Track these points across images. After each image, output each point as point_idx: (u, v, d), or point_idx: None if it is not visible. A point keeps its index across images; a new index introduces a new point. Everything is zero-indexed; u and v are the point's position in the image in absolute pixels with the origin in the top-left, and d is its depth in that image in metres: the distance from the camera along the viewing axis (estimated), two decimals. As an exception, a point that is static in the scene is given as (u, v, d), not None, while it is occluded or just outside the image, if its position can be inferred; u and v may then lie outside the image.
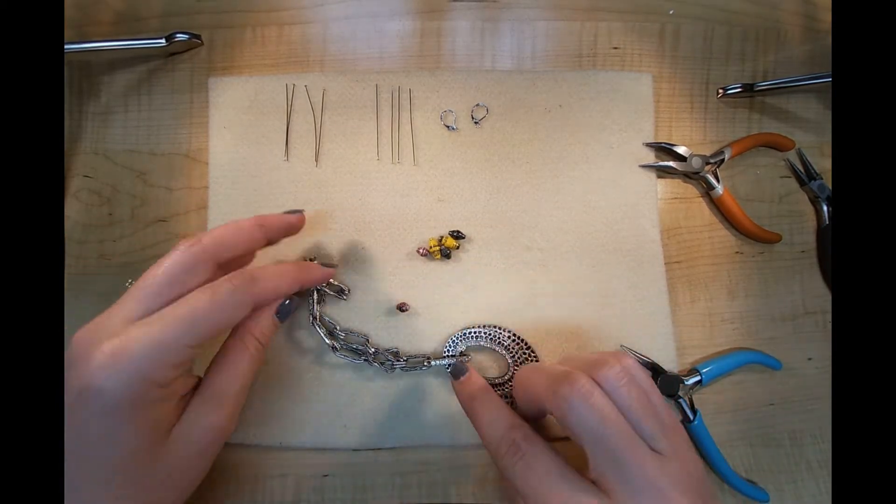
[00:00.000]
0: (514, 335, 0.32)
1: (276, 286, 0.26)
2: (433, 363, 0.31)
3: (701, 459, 0.24)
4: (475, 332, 0.32)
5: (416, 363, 0.31)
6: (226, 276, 0.24)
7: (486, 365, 0.33)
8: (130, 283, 0.25)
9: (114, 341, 0.21)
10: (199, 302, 0.22)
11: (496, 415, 0.25)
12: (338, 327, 0.32)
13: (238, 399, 0.25)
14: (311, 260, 0.32)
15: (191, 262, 0.24)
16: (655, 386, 0.24)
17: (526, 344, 0.32)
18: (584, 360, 0.24)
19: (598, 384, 0.22)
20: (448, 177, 0.34)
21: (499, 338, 0.31)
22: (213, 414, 0.24)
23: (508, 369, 0.31)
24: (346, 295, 0.32)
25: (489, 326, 0.32)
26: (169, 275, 0.23)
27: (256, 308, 0.26)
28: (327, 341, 0.31)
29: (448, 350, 0.31)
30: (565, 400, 0.22)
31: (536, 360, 0.32)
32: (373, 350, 0.31)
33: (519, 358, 0.31)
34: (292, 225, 0.29)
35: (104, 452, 0.21)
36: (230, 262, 0.26)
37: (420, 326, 0.32)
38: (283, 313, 0.28)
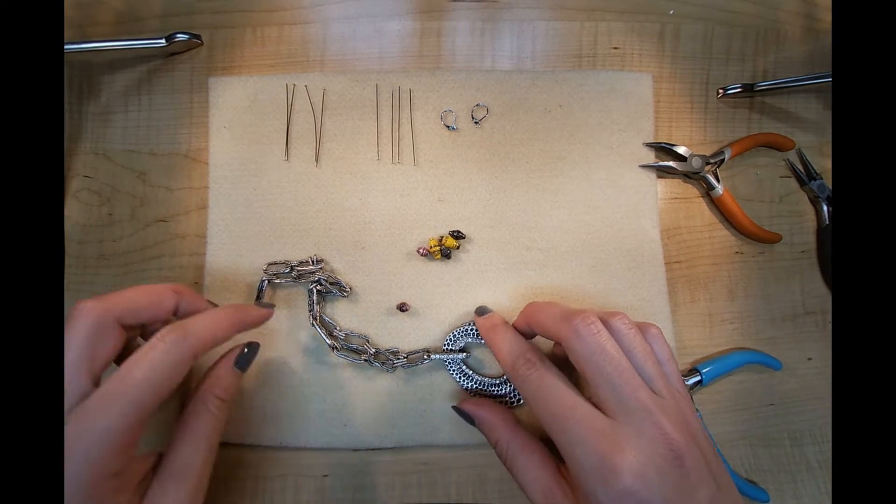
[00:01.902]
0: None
1: (212, 335, 0.24)
2: (433, 357, 0.31)
3: (699, 420, 0.25)
4: (476, 329, 0.32)
5: (417, 358, 0.31)
6: (156, 336, 0.22)
7: (487, 362, 0.33)
8: None
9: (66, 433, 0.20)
10: (129, 378, 0.21)
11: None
12: (337, 327, 0.32)
13: (204, 470, 0.23)
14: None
15: (94, 329, 0.22)
16: (667, 346, 0.26)
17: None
18: (594, 310, 0.26)
19: (608, 327, 0.25)
20: (448, 177, 0.34)
21: None
22: (179, 491, 0.22)
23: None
24: (346, 292, 0.32)
25: None
26: (73, 353, 0.21)
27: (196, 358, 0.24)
28: (328, 341, 0.31)
29: (448, 344, 0.31)
30: (575, 330, 0.24)
31: None
32: (373, 350, 0.31)
33: None
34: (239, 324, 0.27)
35: None
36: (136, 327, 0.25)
37: (420, 326, 0.32)
38: (243, 363, 0.27)
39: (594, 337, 0.24)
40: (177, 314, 0.26)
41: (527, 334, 0.29)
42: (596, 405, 0.23)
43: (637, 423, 0.22)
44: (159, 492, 0.22)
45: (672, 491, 0.21)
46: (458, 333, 0.32)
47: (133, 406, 0.20)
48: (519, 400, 0.31)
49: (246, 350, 0.27)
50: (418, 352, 0.31)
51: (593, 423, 0.22)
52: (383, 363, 0.31)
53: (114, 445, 0.20)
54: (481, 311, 0.31)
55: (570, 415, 0.23)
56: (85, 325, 0.22)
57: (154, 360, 0.21)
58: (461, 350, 0.31)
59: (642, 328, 0.26)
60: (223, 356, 0.27)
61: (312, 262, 0.32)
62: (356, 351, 0.31)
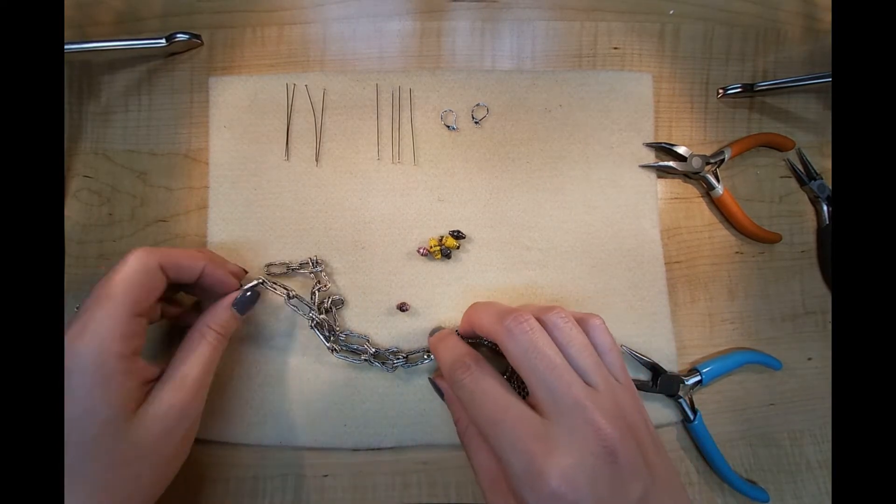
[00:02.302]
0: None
1: (176, 255, 0.27)
2: (433, 357, 0.31)
3: (641, 409, 0.25)
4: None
5: (417, 358, 0.31)
6: (128, 252, 0.26)
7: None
8: (79, 307, 0.25)
9: (73, 328, 0.23)
10: (113, 277, 0.25)
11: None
12: (337, 328, 0.32)
13: (200, 382, 0.26)
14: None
15: (144, 269, 0.25)
16: (609, 335, 0.26)
17: None
18: (532, 305, 0.27)
19: (543, 323, 0.25)
20: (448, 176, 0.34)
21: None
22: (175, 394, 0.25)
23: (507, 368, 0.31)
24: (339, 304, 0.32)
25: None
26: (127, 282, 0.25)
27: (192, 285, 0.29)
28: (327, 344, 0.31)
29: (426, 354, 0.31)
30: (508, 329, 0.24)
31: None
32: (373, 350, 0.31)
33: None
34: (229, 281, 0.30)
35: (80, 428, 0.22)
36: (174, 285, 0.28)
37: (420, 326, 0.32)
38: (241, 305, 0.29)
39: (526, 335, 0.24)
40: (201, 277, 0.28)
41: (472, 338, 0.29)
42: (533, 406, 0.23)
43: (570, 420, 0.22)
44: (160, 390, 0.25)
45: (604, 488, 0.21)
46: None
47: (121, 298, 0.24)
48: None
49: (248, 294, 0.29)
50: (418, 351, 0.31)
51: (525, 425, 0.22)
52: (383, 363, 0.31)
53: (114, 329, 0.23)
54: (434, 332, 0.32)
55: (502, 417, 0.23)
56: (135, 265, 0.25)
57: (127, 266, 0.25)
58: None
59: (583, 320, 0.26)
60: (225, 297, 0.29)
61: (312, 263, 0.32)
62: (355, 352, 0.31)
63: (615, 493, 0.21)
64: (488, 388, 0.24)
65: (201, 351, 0.27)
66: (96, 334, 0.23)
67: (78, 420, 0.22)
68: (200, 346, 0.27)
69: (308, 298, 0.31)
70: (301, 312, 0.31)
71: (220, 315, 0.28)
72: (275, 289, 0.31)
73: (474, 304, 0.29)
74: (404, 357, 0.31)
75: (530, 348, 0.24)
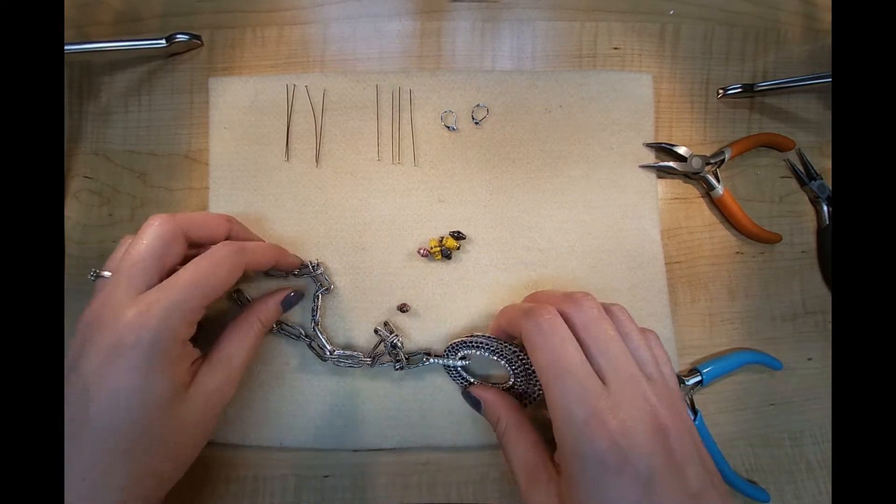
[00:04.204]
0: (520, 349, 0.29)
1: (259, 257, 0.29)
2: (432, 360, 0.31)
3: (690, 417, 0.25)
4: (477, 342, 0.30)
5: (417, 360, 0.31)
6: (220, 244, 0.27)
7: (491, 369, 0.32)
8: (95, 274, 0.26)
9: (138, 305, 0.23)
10: (201, 267, 0.25)
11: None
12: (328, 346, 0.31)
13: (242, 367, 0.28)
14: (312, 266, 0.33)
15: (169, 236, 0.25)
16: (664, 351, 0.27)
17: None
18: (558, 295, 0.27)
19: (569, 317, 0.25)
20: (448, 177, 0.34)
21: (501, 350, 0.29)
22: (222, 375, 0.27)
23: (508, 379, 0.30)
24: (325, 289, 0.32)
25: (492, 339, 0.30)
26: (152, 250, 0.25)
27: (247, 277, 0.31)
28: (328, 347, 0.31)
29: (448, 354, 0.31)
30: (532, 321, 0.25)
31: (537, 386, 0.30)
32: (370, 357, 0.31)
33: (519, 370, 0.29)
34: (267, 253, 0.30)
35: (130, 404, 0.22)
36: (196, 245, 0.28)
37: (420, 326, 0.32)
38: (287, 304, 0.31)
39: (592, 310, 0.25)
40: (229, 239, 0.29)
41: (504, 337, 0.30)
42: (548, 407, 0.24)
43: (627, 391, 0.23)
44: (208, 371, 0.26)
45: (657, 460, 0.21)
46: (459, 344, 0.30)
47: (199, 289, 0.25)
48: (527, 402, 0.30)
49: (293, 294, 0.31)
50: (419, 354, 0.31)
51: (592, 383, 0.23)
52: (394, 361, 0.31)
53: (184, 315, 0.24)
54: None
55: (571, 368, 0.23)
56: (159, 231, 0.25)
57: (218, 258, 0.26)
58: (460, 358, 0.31)
59: (642, 330, 0.27)
60: (273, 293, 0.31)
61: (312, 266, 0.32)
62: (352, 356, 0.31)
63: (669, 470, 0.21)
64: (566, 337, 0.24)
65: (249, 339, 0.28)
66: (167, 321, 0.23)
67: (130, 399, 0.22)
68: (249, 334, 0.28)
69: (312, 303, 0.32)
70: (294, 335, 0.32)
71: (269, 309, 0.30)
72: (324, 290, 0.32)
73: (506, 306, 0.29)
74: (406, 359, 0.31)
75: (593, 320, 0.25)
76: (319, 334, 0.31)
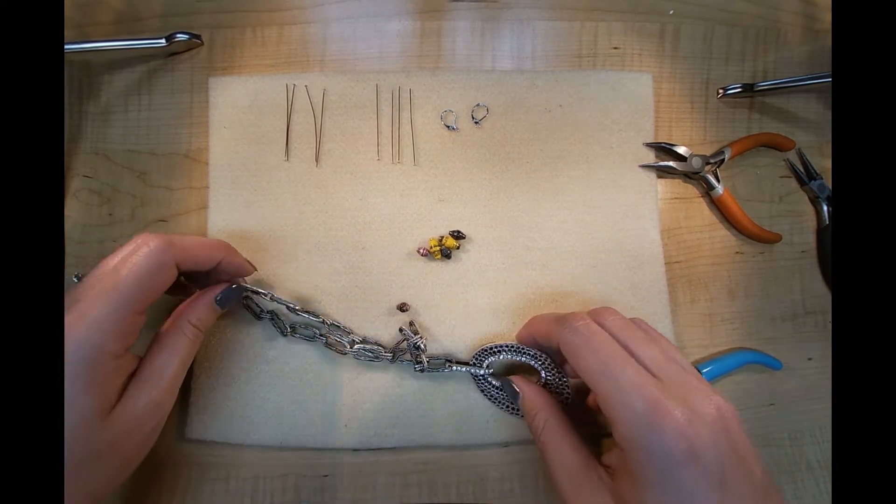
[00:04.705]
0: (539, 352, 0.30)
1: (193, 251, 0.26)
2: (455, 368, 0.31)
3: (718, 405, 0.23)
4: (500, 347, 0.31)
5: (438, 365, 0.31)
6: (141, 238, 0.25)
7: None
8: (78, 276, 0.26)
9: (71, 313, 0.22)
10: (120, 272, 0.23)
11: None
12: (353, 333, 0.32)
13: (175, 378, 0.26)
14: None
15: (156, 268, 0.24)
16: (657, 333, 0.27)
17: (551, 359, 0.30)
18: (576, 312, 0.28)
19: (600, 325, 0.26)
20: (448, 177, 0.34)
21: (524, 350, 0.30)
22: (151, 392, 0.25)
23: (541, 377, 0.30)
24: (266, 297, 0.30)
25: (513, 343, 0.31)
26: (139, 279, 0.24)
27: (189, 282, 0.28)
28: (349, 338, 0.31)
29: (475, 362, 0.31)
30: (568, 327, 0.25)
31: (564, 379, 0.30)
32: (391, 353, 0.31)
33: (549, 365, 0.30)
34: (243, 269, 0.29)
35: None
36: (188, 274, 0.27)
37: (420, 326, 0.32)
38: (223, 300, 0.28)
39: (584, 330, 0.25)
40: (218, 268, 0.28)
41: (531, 345, 0.30)
42: (599, 404, 0.24)
43: (681, 384, 0.22)
44: (136, 387, 0.25)
45: (725, 449, 0.21)
46: (484, 352, 0.31)
47: (124, 299, 0.23)
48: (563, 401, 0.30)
49: (232, 287, 0.29)
50: (440, 359, 0.31)
51: (645, 377, 0.22)
52: (415, 360, 0.31)
53: (111, 329, 0.23)
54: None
55: (624, 366, 0.23)
56: (148, 261, 0.24)
57: (139, 261, 0.24)
58: (487, 365, 0.31)
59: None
60: (203, 290, 0.28)
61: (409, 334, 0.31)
62: (373, 350, 0.31)
63: (737, 462, 0.21)
64: (605, 338, 0.24)
65: (179, 347, 0.26)
66: (95, 331, 0.22)
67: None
68: (179, 342, 0.26)
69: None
70: (277, 328, 0.31)
71: (200, 310, 0.28)
72: (263, 294, 0.30)
73: (534, 317, 0.30)
74: (427, 361, 0.31)
75: (621, 326, 0.25)
76: (338, 326, 0.31)
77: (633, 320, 0.27)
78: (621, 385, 0.22)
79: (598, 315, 0.26)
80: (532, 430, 0.28)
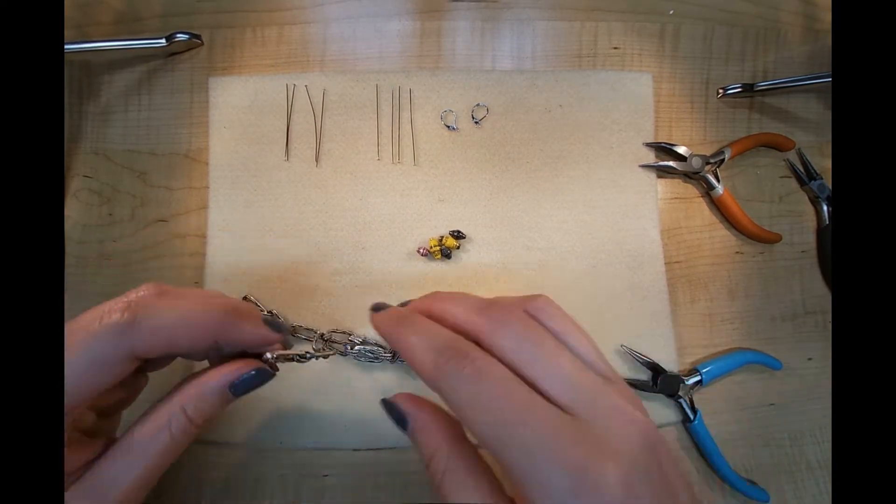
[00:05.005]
0: None
1: (170, 333, 0.19)
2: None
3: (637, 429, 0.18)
4: None
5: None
6: (100, 309, 0.19)
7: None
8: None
9: None
10: (68, 359, 0.18)
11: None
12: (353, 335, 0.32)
13: (135, 494, 0.19)
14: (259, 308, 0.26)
15: (96, 359, 0.18)
16: (564, 315, 0.21)
17: None
18: (462, 313, 0.20)
19: (490, 344, 0.19)
20: (448, 177, 0.34)
21: None
22: (124, 467, 0.19)
23: None
24: (300, 358, 0.25)
25: None
26: (70, 371, 0.18)
27: (150, 352, 0.19)
28: (350, 341, 0.31)
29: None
30: (452, 379, 0.18)
31: None
32: (391, 353, 0.31)
33: None
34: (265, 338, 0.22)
35: None
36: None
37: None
38: (240, 387, 0.21)
39: (515, 324, 0.19)
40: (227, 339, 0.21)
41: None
42: None
43: (601, 413, 0.17)
44: (109, 457, 0.19)
45: (657, 491, 0.17)
46: None
47: (73, 395, 0.18)
48: None
49: (253, 373, 0.21)
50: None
51: (559, 425, 0.17)
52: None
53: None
54: (378, 307, 0.24)
55: (527, 418, 0.17)
56: (87, 348, 0.18)
57: (85, 346, 0.18)
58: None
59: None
60: (215, 369, 0.21)
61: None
62: (373, 351, 0.31)
63: (666, 494, 0.17)
64: (501, 378, 0.18)
65: (154, 449, 0.19)
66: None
67: None
68: (157, 440, 0.19)
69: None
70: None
71: (205, 399, 0.20)
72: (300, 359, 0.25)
73: (435, 292, 0.23)
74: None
75: (517, 338, 0.19)
76: (337, 334, 0.31)
77: (533, 304, 0.21)
78: (531, 453, 0.16)
79: (487, 324, 0.20)
80: (428, 474, 0.20)
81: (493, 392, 0.17)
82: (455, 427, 0.21)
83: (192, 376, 0.21)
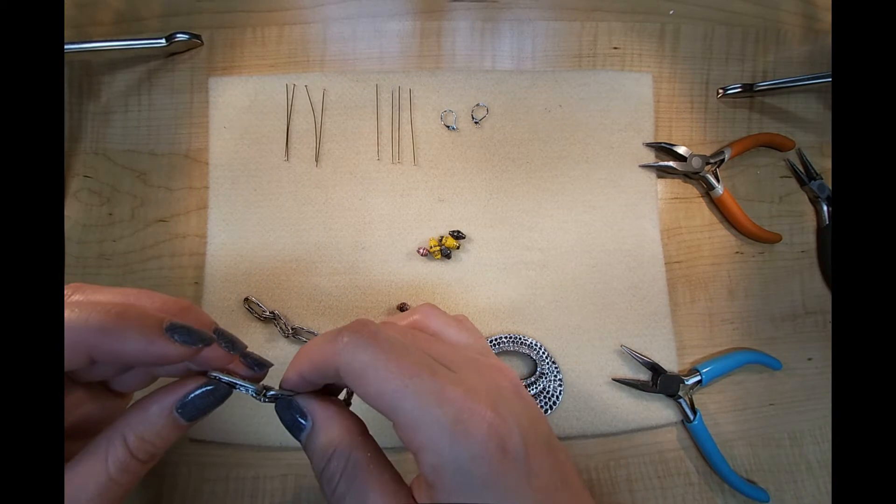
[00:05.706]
0: (536, 342, 0.32)
1: (99, 328, 0.16)
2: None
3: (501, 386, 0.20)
4: (501, 339, 0.31)
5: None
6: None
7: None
8: None
9: None
10: None
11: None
12: None
13: None
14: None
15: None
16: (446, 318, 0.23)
17: (546, 351, 0.32)
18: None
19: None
20: (448, 177, 0.34)
21: (523, 340, 0.31)
22: None
23: (536, 369, 0.31)
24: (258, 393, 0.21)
25: (511, 334, 0.32)
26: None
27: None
28: None
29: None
30: (347, 339, 0.18)
31: (557, 369, 0.31)
32: None
33: (544, 358, 0.31)
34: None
35: None
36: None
37: (420, 326, 0.32)
38: (192, 410, 0.17)
39: (383, 328, 0.20)
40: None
41: (305, 388, 0.21)
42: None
43: (472, 366, 0.19)
44: None
45: (523, 421, 0.18)
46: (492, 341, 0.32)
47: None
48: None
49: (206, 389, 0.18)
50: None
51: (441, 374, 0.18)
52: None
53: None
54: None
55: (417, 371, 0.17)
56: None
57: None
58: None
59: (456, 318, 0.24)
60: (161, 390, 0.18)
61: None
62: None
63: (534, 428, 0.18)
64: (394, 339, 0.18)
65: (99, 473, 0.16)
66: None
67: None
68: (100, 464, 0.16)
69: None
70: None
71: (147, 421, 0.17)
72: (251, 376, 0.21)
73: (304, 346, 0.21)
74: None
75: (398, 330, 0.20)
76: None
77: (415, 323, 0.23)
78: (423, 398, 0.17)
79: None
80: (322, 478, 0.19)
81: (390, 351, 0.18)
82: (358, 422, 0.21)
83: (133, 405, 0.18)
